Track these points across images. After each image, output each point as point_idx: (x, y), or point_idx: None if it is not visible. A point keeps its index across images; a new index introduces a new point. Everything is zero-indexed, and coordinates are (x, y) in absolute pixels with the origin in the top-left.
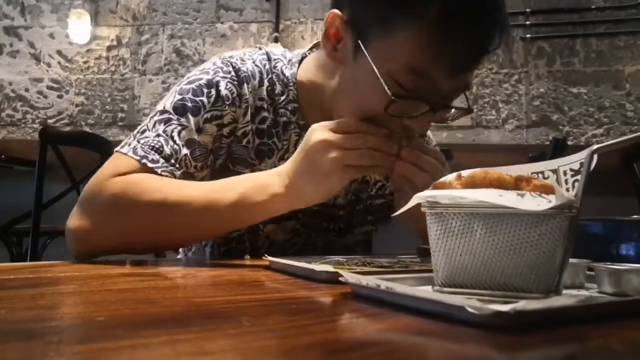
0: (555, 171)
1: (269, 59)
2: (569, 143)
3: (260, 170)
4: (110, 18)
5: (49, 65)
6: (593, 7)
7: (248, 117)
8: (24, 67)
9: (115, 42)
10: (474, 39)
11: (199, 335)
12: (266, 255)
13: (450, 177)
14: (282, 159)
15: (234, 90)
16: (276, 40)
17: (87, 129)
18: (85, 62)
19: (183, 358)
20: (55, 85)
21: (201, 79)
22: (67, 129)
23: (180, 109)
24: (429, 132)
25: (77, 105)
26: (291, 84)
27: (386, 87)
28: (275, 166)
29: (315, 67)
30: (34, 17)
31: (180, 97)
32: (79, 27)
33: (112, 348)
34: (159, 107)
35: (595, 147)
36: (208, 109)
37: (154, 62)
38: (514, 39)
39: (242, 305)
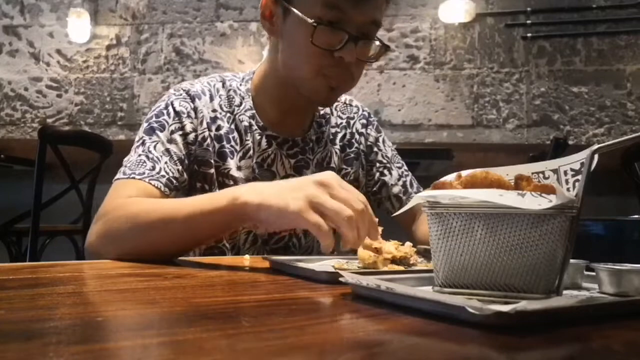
0: (555, 171)
1: (223, 81)
2: (570, 142)
3: (225, 169)
4: (110, 17)
5: (48, 64)
6: (594, 6)
7: (205, 125)
8: (23, 66)
9: (114, 41)
10: None
11: (199, 335)
12: (266, 255)
13: (450, 177)
14: (244, 158)
15: (187, 105)
16: None
17: (86, 128)
18: (84, 61)
19: (183, 358)
20: (54, 85)
21: (160, 106)
22: (67, 128)
23: (149, 131)
24: (382, 137)
25: (76, 105)
26: (247, 96)
27: (308, 19)
28: (237, 165)
29: (265, 62)
30: (33, 16)
31: (147, 124)
32: (78, 26)
33: (112, 348)
34: (136, 139)
35: (596, 146)
36: (171, 123)
37: (154, 61)
38: (515, 38)
39: (242, 305)
